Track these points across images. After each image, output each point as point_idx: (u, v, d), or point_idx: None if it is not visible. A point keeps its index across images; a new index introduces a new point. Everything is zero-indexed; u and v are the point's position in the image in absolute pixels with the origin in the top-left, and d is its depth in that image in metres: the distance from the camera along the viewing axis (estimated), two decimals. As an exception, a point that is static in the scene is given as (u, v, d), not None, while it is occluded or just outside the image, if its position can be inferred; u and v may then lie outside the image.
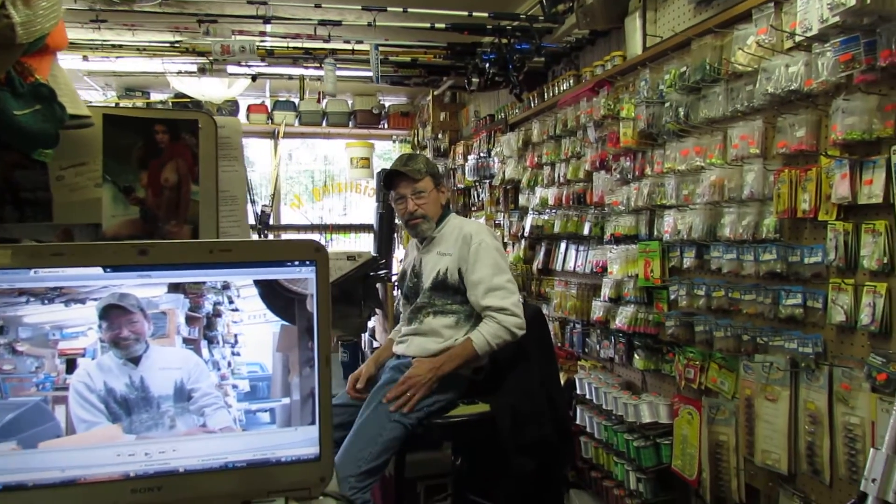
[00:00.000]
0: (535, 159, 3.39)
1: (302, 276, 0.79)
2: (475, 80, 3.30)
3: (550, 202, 3.21)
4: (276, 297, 0.79)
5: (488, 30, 3.19)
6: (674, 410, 2.28)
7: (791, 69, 1.72)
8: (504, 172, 3.77)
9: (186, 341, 0.77)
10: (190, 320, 0.77)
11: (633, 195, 2.47)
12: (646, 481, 2.39)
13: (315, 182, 6.67)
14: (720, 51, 2.03)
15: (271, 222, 5.74)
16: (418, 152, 4.03)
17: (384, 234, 5.36)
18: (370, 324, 4.59)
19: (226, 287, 0.78)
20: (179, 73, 4.16)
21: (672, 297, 2.27)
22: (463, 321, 2.13)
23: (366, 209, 6.40)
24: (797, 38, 1.72)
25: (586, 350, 2.95)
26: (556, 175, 3.16)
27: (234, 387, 0.78)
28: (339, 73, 3.96)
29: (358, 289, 3.56)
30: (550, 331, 3.00)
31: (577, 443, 2.85)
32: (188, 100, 4.76)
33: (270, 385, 0.79)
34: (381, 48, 3.40)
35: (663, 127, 2.27)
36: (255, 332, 0.79)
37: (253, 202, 5.58)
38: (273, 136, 5.82)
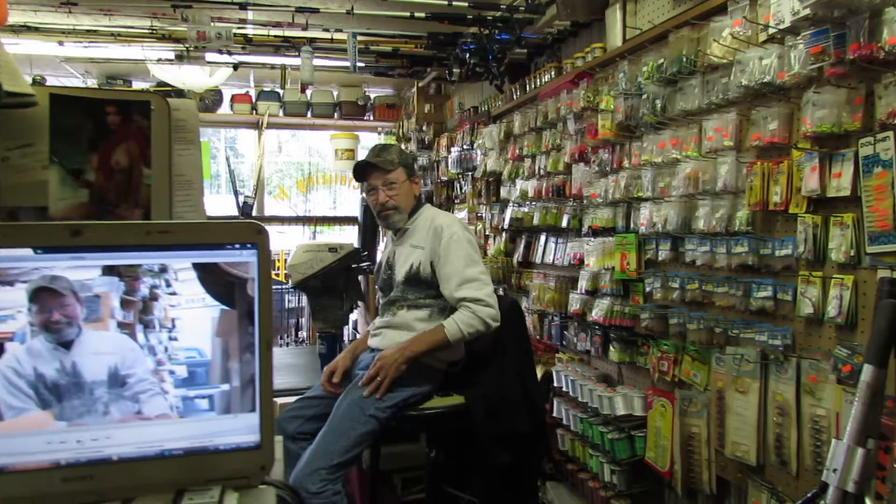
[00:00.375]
0: (517, 151, 3.37)
1: (243, 260, 0.77)
2: (456, 70, 3.27)
3: (530, 194, 3.20)
4: (216, 281, 0.76)
5: (469, 20, 3.16)
6: (648, 403, 2.28)
7: (764, 62, 1.71)
8: (486, 165, 3.75)
9: (121, 325, 0.74)
10: (125, 304, 0.74)
11: (611, 188, 2.46)
12: (620, 473, 2.40)
13: (303, 174, 6.61)
14: (696, 43, 2.02)
15: (254, 214, 5.69)
16: (392, 143, 3.98)
17: (368, 225, 5.32)
18: (352, 316, 4.55)
19: (163, 270, 0.76)
20: (159, 60, 4.09)
21: (647, 289, 2.27)
22: (436, 315, 2.11)
23: (353, 201, 6.36)
24: (770, 31, 1.71)
25: (564, 343, 2.95)
26: (537, 167, 3.15)
27: (171, 373, 0.76)
28: (322, 62, 3.92)
29: (339, 281, 3.54)
30: (528, 323, 2.99)
31: (553, 435, 2.85)
32: (170, 88, 4.70)
33: (209, 371, 0.77)
34: (361, 37, 3.36)
35: (641, 119, 2.27)
36: (193, 317, 0.76)
37: (237, 193, 5.53)
38: (257, 126, 5.76)
